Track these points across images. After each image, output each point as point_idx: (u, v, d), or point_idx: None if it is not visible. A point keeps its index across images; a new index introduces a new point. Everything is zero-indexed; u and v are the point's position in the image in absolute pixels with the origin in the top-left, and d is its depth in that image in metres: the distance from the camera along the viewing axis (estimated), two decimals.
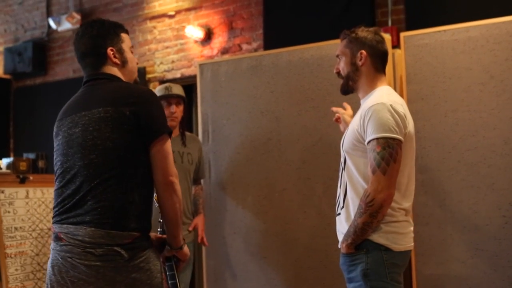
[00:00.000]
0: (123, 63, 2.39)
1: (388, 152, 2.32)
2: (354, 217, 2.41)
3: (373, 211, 2.33)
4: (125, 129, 2.17)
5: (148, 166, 2.21)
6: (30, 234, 4.26)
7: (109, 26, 2.41)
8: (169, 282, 2.48)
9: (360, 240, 2.41)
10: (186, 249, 2.37)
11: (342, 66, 2.63)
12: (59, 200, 2.22)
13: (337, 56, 2.67)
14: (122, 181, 2.16)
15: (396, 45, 4.12)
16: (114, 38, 2.38)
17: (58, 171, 2.27)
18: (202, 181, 3.98)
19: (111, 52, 2.35)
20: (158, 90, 3.71)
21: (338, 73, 2.67)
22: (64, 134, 2.27)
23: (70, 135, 2.24)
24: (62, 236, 2.16)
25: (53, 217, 2.25)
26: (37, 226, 4.31)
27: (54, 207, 2.25)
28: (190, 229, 3.67)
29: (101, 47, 2.35)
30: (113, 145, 2.16)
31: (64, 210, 2.18)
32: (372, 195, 2.33)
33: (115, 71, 2.37)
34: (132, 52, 2.47)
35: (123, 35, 2.43)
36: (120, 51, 2.39)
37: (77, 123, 2.23)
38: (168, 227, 2.29)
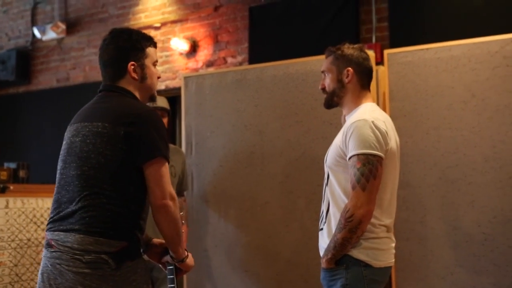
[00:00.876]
0: (142, 79, 2.37)
1: (368, 168, 2.34)
2: (334, 232, 2.42)
3: (352, 227, 2.34)
4: (119, 147, 2.18)
5: (141, 185, 2.21)
6: (9, 245, 4.21)
7: (136, 39, 2.38)
8: (168, 285, 2.49)
9: (340, 255, 2.41)
10: (189, 260, 2.38)
11: (328, 82, 2.64)
12: (54, 207, 2.25)
13: (323, 72, 2.68)
14: (111, 196, 2.16)
15: (379, 62, 4.16)
16: (139, 53, 2.36)
17: (57, 176, 2.30)
18: (185, 193, 3.97)
19: (132, 67, 2.34)
20: None
21: (323, 89, 2.68)
22: (68, 141, 2.30)
23: (72, 142, 2.27)
24: (53, 243, 2.18)
25: (47, 224, 2.27)
26: (16, 236, 4.26)
27: (50, 213, 2.28)
28: None
29: (123, 60, 2.34)
30: (105, 161, 2.18)
31: (57, 219, 2.21)
32: (352, 210, 2.34)
33: (131, 86, 2.36)
34: (155, 66, 2.45)
35: (149, 50, 2.40)
36: (142, 67, 2.37)
37: (79, 132, 2.26)
38: (167, 244, 2.31)
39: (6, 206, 4.25)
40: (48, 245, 2.20)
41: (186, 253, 2.36)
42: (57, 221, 2.20)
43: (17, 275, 4.22)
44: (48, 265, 2.17)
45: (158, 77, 2.49)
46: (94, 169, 2.18)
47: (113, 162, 2.18)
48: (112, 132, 2.18)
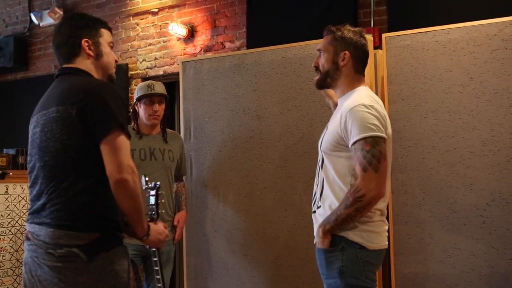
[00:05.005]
0: (97, 56, 2.34)
1: (378, 150, 2.34)
2: (339, 207, 2.40)
3: (360, 207, 2.34)
4: (74, 129, 2.11)
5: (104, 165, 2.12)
6: (9, 230, 4.23)
7: (88, 20, 2.37)
8: (154, 268, 2.50)
9: (337, 230, 2.41)
10: (153, 236, 2.29)
11: (323, 62, 2.62)
12: (29, 199, 2.24)
13: (319, 50, 2.66)
14: (76, 183, 2.11)
15: (378, 45, 4.15)
16: (92, 31, 2.35)
17: (28, 169, 2.28)
18: (184, 178, 3.98)
19: (86, 44, 2.31)
20: (140, 88, 3.70)
21: (317, 67, 2.65)
22: (30, 133, 2.27)
23: (33, 134, 2.24)
24: (29, 236, 2.17)
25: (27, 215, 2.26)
26: (16, 222, 4.28)
27: (29, 205, 2.27)
28: (176, 223, 3.69)
29: (76, 37, 2.31)
30: (63, 147, 2.12)
31: (32, 211, 2.19)
32: (364, 191, 2.32)
33: (87, 63, 2.32)
34: (111, 48, 2.42)
35: (103, 30, 2.39)
36: (96, 44, 2.34)
37: (38, 122, 2.23)
38: (127, 220, 2.24)
39: (6, 192, 4.27)
40: (27, 237, 2.19)
41: (147, 229, 2.27)
42: (32, 214, 2.18)
43: (17, 260, 4.24)
44: (28, 257, 2.16)
45: (116, 61, 2.45)
46: (54, 158, 2.13)
47: (72, 146, 2.11)
48: (65, 114, 2.12)
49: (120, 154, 2.09)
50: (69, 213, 2.10)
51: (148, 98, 3.64)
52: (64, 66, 2.34)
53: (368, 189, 2.33)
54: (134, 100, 3.73)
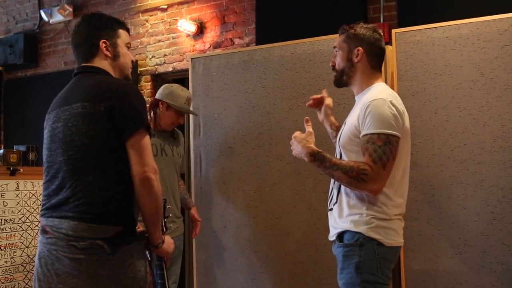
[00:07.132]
0: (115, 57, 2.40)
1: (389, 148, 2.33)
2: (341, 163, 2.40)
3: (354, 184, 2.36)
4: (101, 125, 2.16)
5: (128, 161, 2.17)
6: (20, 226, 4.26)
7: (107, 20, 2.42)
8: (158, 281, 2.50)
9: (321, 168, 2.49)
10: (166, 245, 2.36)
11: (338, 60, 2.64)
12: (45, 194, 2.25)
13: (335, 48, 2.67)
14: (101, 177, 2.15)
15: (387, 41, 4.12)
16: (110, 32, 2.40)
17: (44, 165, 2.30)
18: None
19: (104, 45, 2.36)
20: (177, 95, 3.60)
21: (333, 66, 2.67)
22: (49, 128, 2.29)
23: (54, 129, 2.26)
24: (47, 229, 2.18)
25: (41, 210, 2.27)
26: (27, 218, 4.30)
27: (42, 200, 2.28)
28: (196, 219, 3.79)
29: (94, 38, 2.36)
30: (90, 142, 2.16)
31: (50, 205, 2.20)
32: (368, 178, 2.31)
33: (105, 64, 2.37)
34: (128, 48, 2.47)
35: (121, 31, 2.44)
36: (114, 45, 2.40)
37: (59, 117, 2.25)
38: (145, 223, 2.27)
39: (17, 189, 4.29)
40: (44, 231, 2.21)
41: (162, 237, 2.33)
42: (50, 208, 2.20)
43: (28, 256, 4.27)
44: (44, 251, 2.18)
45: (132, 61, 2.50)
46: (80, 152, 2.16)
47: (98, 141, 2.16)
48: (93, 110, 2.16)
49: (146, 154, 2.17)
50: (94, 207, 2.13)
51: (180, 111, 3.62)
52: (83, 64, 2.38)
53: (372, 179, 2.32)
54: (160, 97, 3.62)
